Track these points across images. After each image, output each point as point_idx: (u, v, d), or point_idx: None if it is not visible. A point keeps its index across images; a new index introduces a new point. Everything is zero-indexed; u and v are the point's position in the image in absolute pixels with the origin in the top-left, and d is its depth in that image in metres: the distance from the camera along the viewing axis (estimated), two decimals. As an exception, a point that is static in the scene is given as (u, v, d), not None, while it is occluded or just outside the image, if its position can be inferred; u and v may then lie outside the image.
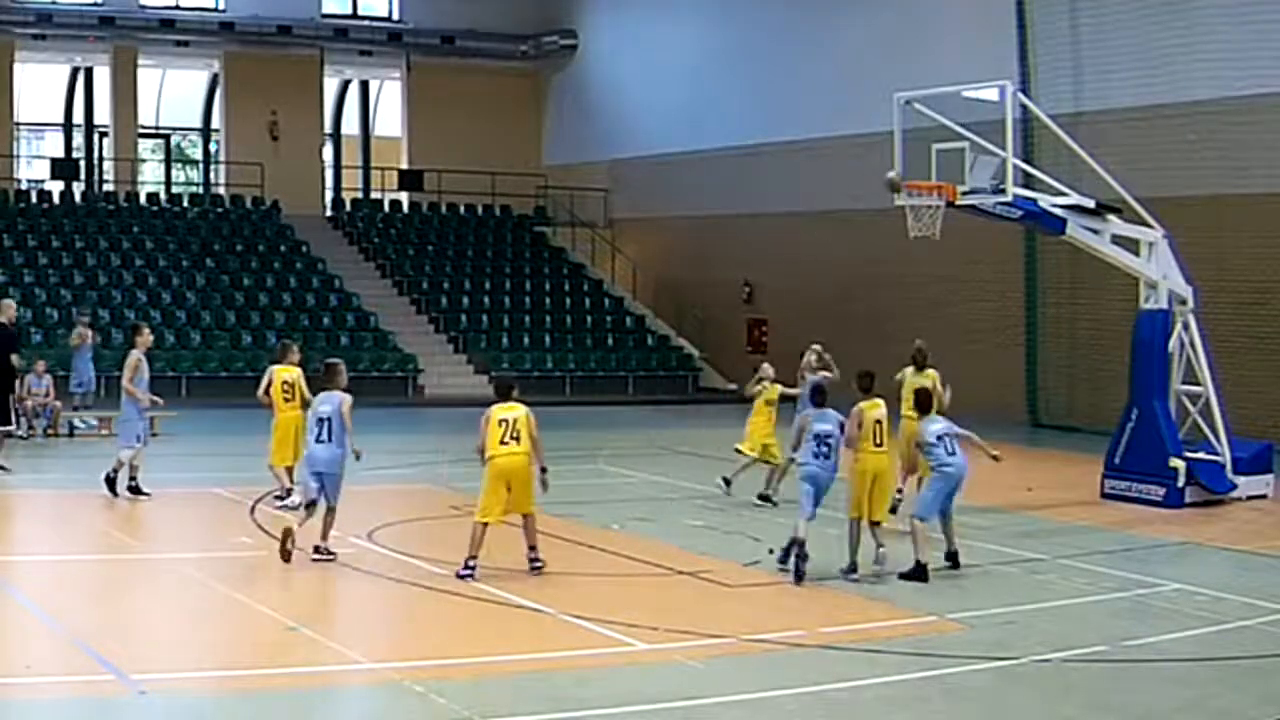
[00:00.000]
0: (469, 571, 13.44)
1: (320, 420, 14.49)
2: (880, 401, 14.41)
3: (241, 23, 39.96)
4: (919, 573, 13.94)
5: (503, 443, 13.56)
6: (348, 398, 14.57)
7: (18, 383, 21.74)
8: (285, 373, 17.49)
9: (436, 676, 10.35)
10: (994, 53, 28.47)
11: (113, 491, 17.58)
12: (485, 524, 13.57)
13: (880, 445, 14.11)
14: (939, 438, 14.41)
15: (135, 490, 17.78)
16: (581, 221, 41.70)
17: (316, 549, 14.32)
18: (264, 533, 15.80)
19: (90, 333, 26.12)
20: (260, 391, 17.62)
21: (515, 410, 13.73)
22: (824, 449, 14.14)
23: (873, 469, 14.06)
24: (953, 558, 14.56)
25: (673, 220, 39.84)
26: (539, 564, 13.82)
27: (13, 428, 20.47)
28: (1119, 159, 22.14)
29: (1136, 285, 19.91)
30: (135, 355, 18.13)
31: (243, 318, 35.32)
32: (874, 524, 14.12)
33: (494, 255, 41.06)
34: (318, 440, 14.50)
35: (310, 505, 14.52)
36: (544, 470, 13.82)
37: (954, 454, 14.36)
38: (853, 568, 14.05)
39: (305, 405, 16.98)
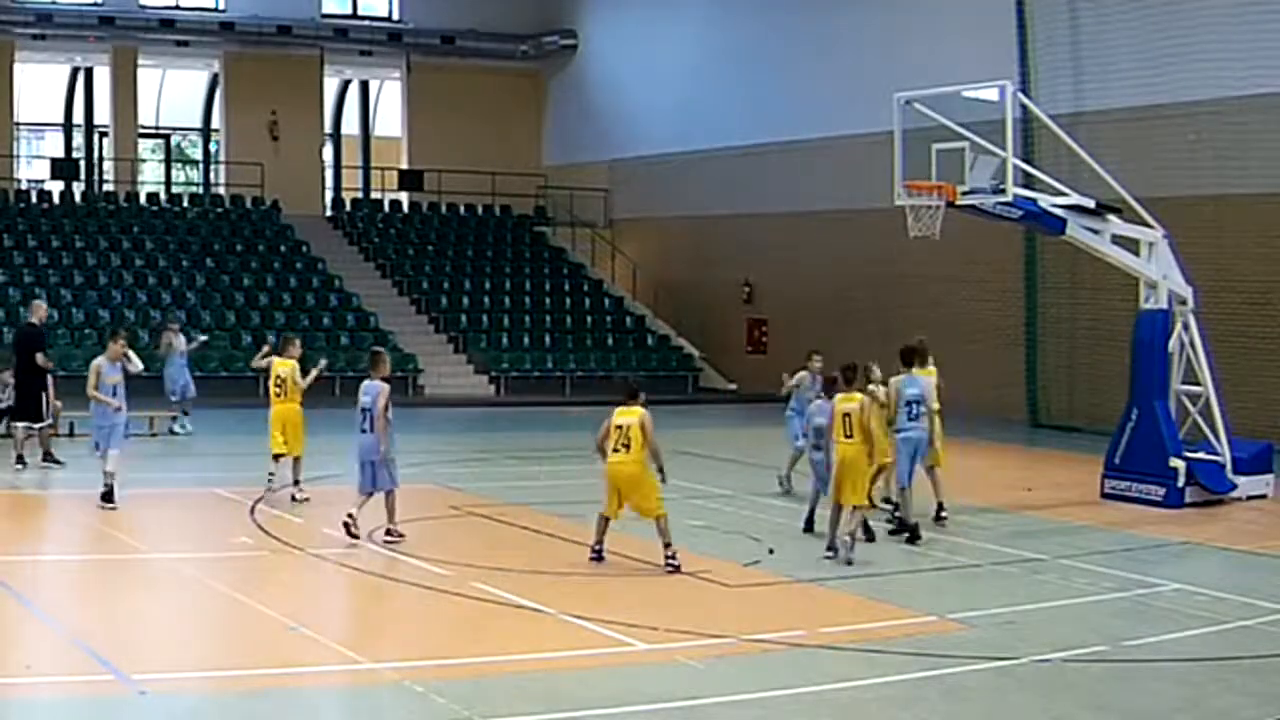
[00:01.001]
0: (596, 555, 14.37)
1: (363, 410, 15.13)
2: (856, 395, 15.05)
3: (241, 23, 39.93)
4: (911, 532, 15.82)
5: (614, 450, 14.19)
6: (385, 388, 15.16)
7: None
8: (281, 366, 18.02)
9: (436, 676, 10.36)
10: (994, 53, 28.45)
11: (108, 501, 17.46)
12: (605, 517, 14.42)
13: (850, 436, 14.82)
14: (909, 403, 15.90)
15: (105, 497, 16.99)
16: (581, 221, 41.68)
17: (388, 532, 15.10)
18: (264, 533, 15.83)
19: (182, 339, 26.31)
20: (255, 360, 19.05)
21: (631, 416, 14.21)
22: (819, 438, 15.81)
23: (840, 458, 14.87)
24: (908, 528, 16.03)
25: (673, 220, 39.82)
26: (674, 564, 14.16)
27: (48, 422, 20.58)
28: (1119, 159, 22.15)
29: (1136, 285, 19.90)
30: (97, 361, 17.86)
31: (243, 318, 35.29)
32: (837, 506, 14.95)
33: (494, 255, 41.03)
34: (361, 430, 15.12)
35: (368, 495, 15.16)
36: (660, 471, 14.31)
37: (915, 420, 15.88)
38: (831, 547, 14.88)
39: (299, 400, 17.83)
